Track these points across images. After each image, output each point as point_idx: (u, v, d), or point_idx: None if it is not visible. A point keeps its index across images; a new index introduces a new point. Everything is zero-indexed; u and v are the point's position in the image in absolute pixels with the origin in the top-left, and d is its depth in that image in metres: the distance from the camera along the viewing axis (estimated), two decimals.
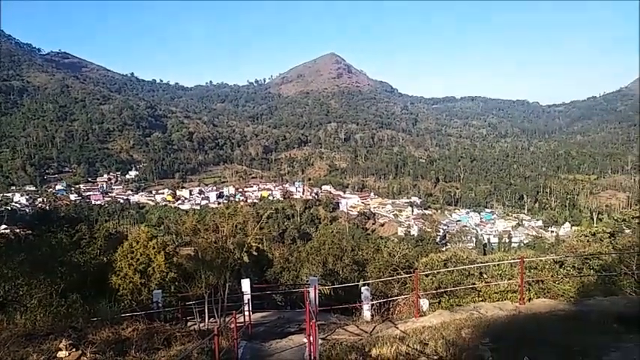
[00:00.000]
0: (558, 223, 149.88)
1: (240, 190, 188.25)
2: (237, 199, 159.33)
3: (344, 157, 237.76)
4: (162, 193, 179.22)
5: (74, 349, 8.28)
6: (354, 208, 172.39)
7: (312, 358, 9.21)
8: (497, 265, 14.92)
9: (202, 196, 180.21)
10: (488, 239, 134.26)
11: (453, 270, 14.68)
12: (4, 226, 78.04)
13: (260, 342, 12.16)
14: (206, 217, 18.47)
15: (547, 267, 14.56)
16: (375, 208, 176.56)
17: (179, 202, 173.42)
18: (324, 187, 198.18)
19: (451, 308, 12.51)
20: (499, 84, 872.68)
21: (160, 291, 15.73)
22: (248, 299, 14.69)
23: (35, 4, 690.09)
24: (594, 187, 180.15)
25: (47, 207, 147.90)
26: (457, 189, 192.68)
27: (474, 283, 14.25)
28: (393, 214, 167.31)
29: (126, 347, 9.14)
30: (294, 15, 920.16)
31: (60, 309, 12.33)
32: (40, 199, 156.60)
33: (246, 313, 14.14)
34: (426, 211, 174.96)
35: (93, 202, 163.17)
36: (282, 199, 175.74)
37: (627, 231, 20.17)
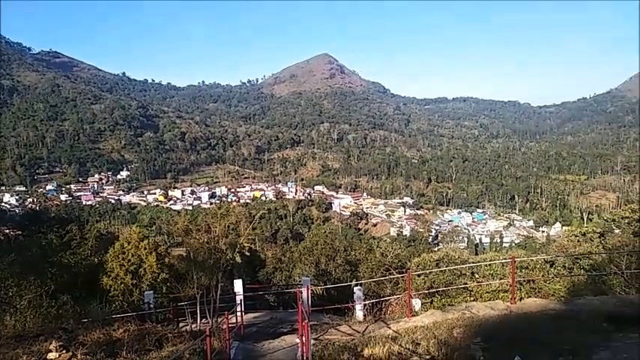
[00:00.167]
0: (549, 223, 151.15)
1: (233, 190, 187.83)
2: (229, 200, 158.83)
3: (337, 157, 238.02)
4: (154, 194, 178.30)
5: (64, 351, 8.22)
6: (346, 208, 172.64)
7: (305, 358, 9.21)
8: (489, 264, 15.01)
9: (194, 196, 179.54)
10: (480, 239, 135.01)
11: (445, 270, 14.74)
12: None
13: (252, 342, 12.14)
14: (198, 218, 18.39)
15: (538, 267, 14.67)
16: (367, 208, 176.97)
17: (171, 202, 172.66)
18: (316, 188, 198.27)
19: (443, 308, 12.56)
20: (491, 85, 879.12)
21: (151, 292, 15.65)
22: (240, 300, 14.66)
23: (25, 3, 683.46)
24: (584, 187, 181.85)
25: (37, 207, 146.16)
26: (449, 189, 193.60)
27: (465, 283, 14.32)
28: (386, 215, 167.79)
29: (117, 348, 9.10)
30: (287, 15, 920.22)
31: (50, 310, 12.21)
32: (30, 200, 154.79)
33: (239, 313, 14.11)
34: (419, 212, 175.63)
35: (84, 203, 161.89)
36: (274, 199, 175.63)
37: (617, 231, 20.41)
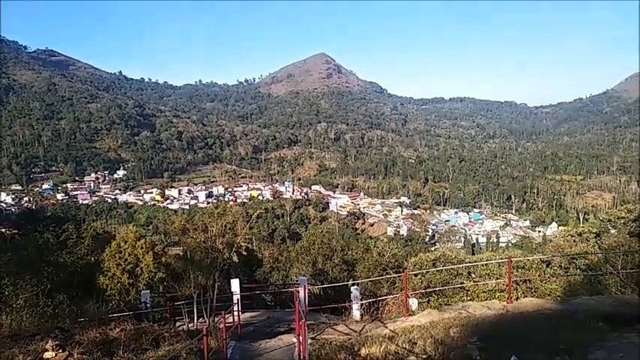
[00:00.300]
0: (545, 223, 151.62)
1: (230, 189, 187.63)
2: (226, 199, 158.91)
3: (334, 157, 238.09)
4: (151, 193, 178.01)
5: (61, 350, 8.21)
6: (343, 208, 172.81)
7: (302, 357, 9.22)
8: (486, 264, 15.05)
9: (191, 195, 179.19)
10: (477, 239, 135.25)
11: (441, 269, 14.77)
12: None
13: (249, 342, 12.14)
14: (195, 217, 18.39)
15: (534, 266, 14.71)
16: (364, 208, 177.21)
17: (168, 201, 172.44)
18: (313, 187, 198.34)
19: (440, 307, 12.59)
20: (487, 85, 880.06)
21: (148, 291, 15.63)
22: (237, 299, 14.64)
23: (21, 2, 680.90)
24: (580, 187, 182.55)
25: (33, 206, 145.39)
26: (446, 189, 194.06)
27: (462, 283, 14.36)
28: (383, 214, 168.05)
29: (113, 348, 9.09)
30: (284, 15, 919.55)
31: (46, 309, 12.18)
32: (26, 199, 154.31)
33: (236, 313, 14.09)
34: (415, 211, 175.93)
35: (80, 202, 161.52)
36: (271, 198, 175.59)
37: (613, 231, 20.49)
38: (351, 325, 12.36)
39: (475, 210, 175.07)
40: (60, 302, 12.66)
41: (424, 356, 8.33)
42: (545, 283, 13.82)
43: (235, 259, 15.28)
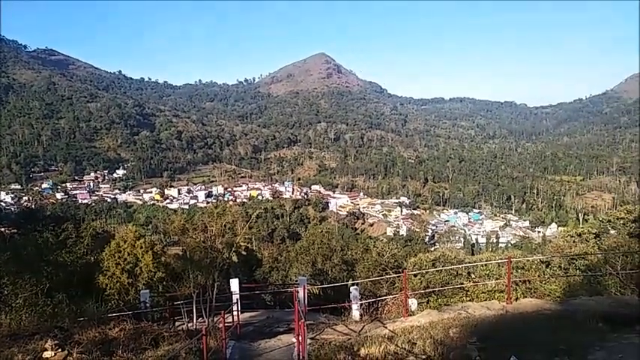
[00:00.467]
0: (545, 223, 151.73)
1: (230, 189, 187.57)
2: (226, 199, 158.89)
3: (333, 157, 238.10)
4: (151, 192, 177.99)
5: (60, 350, 8.21)
6: (343, 208, 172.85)
7: (301, 357, 9.21)
8: (485, 265, 15.05)
9: (191, 195, 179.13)
10: (476, 239, 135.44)
11: (441, 270, 14.77)
12: None
13: (249, 342, 12.14)
14: (195, 217, 18.41)
15: (534, 267, 14.72)
16: (364, 208, 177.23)
17: (167, 201, 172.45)
18: (313, 187, 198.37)
19: (439, 308, 12.60)
20: (487, 86, 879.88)
21: (147, 291, 15.62)
22: (237, 299, 14.63)
23: (20, 1, 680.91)
24: (580, 188, 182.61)
25: (33, 206, 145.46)
26: (446, 189, 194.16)
27: (462, 283, 14.36)
28: (382, 214, 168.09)
29: (113, 347, 9.09)
30: (284, 15, 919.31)
31: (46, 309, 12.19)
32: (25, 198, 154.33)
33: (235, 312, 14.09)
34: (415, 211, 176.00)
35: (80, 201, 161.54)
36: (271, 198, 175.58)
37: (612, 232, 20.47)
38: (351, 325, 12.36)
39: (475, 210, 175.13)
40: (59, 301, 12.66)
41: (423, 357, 8.34)
42: (545, 283, 13.83)
43: (235, 258, 15.29)
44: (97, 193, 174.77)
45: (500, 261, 14.99)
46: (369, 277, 17.80)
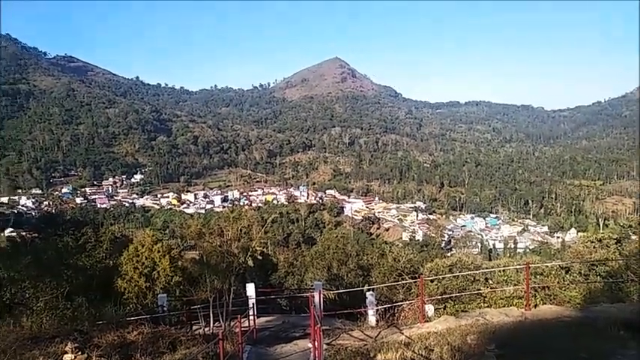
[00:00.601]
0: (564, 228, 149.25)
1: (245, 194, 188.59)
2: (241, 203, 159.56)
3: (348, 161, 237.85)
4: (168, 197, 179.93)
5: (80, 352, 8.30)
6: (358, 212, 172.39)
7: None
8: (503, 270, 14.88)
9: (207, 199, 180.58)
10: (494, 245, 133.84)
11: (458, 275, 14.64)
12: (10, 230, 78.65)
13: (265, 347, 12.17)
14: (211, 221, 18.53)
15: (553, 273, 14.50)
16: (379, 212, 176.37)
17: (184, 205, 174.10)
18: (328, 192, 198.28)
19: (456, 314, 12.48)
20: (503, 89, 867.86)
21: (165, 295, 15.77)
22: (253, 303, 14.69)
23: (40, 8, 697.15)
24: (600, 192, 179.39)
25: (53, 210, 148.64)
26: (462, 194, 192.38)
27: (479, 289, 14.21)
28: (398, 219, 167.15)
29: (131, 351, 9.19)
30: (298, 20, 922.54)
31: (66, 312, 12.39)
32: (46, 203, 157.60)
33: (251, 317, 14.14)
34: (431, 216, 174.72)
35: (98, 206, 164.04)
36: (286, 203, 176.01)
37: (634, 237, 20.04)
38: (367, 330, 12.31)
39: (492, 215, 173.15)
40: (79, 305, 12.87)
41: None
42: (565, 290, 13.61)
43: (250, 263, 15.37)
44: (116, 198, 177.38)
45: (518, 267, 14.81)
46: (385, 283, 17.72)
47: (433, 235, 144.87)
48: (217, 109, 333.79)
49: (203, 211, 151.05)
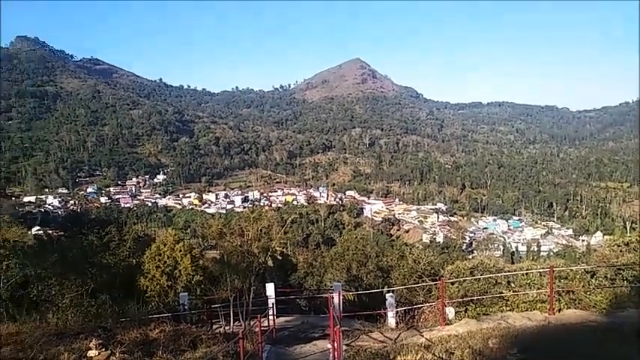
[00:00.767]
0: (589, 231, 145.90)
1: (265, 194, 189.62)
2: (261, 204, 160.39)
3: (368, 162, 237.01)
4: (189, 197, 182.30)
5: (104, 349, 8.46)
6: (378, 213, 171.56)
7: None
8: (526, 274, 14.60)
9: (228, 200, 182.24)
10: (516, 247, 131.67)
11: (479, 278, 14.42)
12: (37, 228, 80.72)
13: (284, 346, 12.21)
14: (231, 221, 18.68)
15: (578, 277, 14.15)
16: (399, 214, 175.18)
17: (205, 205, 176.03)
18: (348, 193, 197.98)
19: (478, 317, 12.32)
20: (527, 89, 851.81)
21: (186, 293, 15.96)
22: (272, 303, 14.77)
23: (67, 10, 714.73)
24: (627, 195, 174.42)
25: (79, 209, 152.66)
26: (484, 196, 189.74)
27: (501, 292, 13.97)
28: (418, 221, 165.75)
29: (153, 348, 9.31)
30: (319, 21, 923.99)
31: (90, 309, 12.62)
32: (72, 202, 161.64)
33: (271, 317, 14.21)
34: (452, 218, 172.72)
35: (122, 205, 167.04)
36: (306, 204, 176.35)
37: None
38: (386, 332, 12.24)
39: (515, 217, 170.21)
40: (103, 302, 13.10)
41: None
42: (590, 294, 13.28)
43: (270, 263, 15.48)
44: (139, 198, 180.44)
45: (541, 270, 14.50)
46: (405, 285, 17.59)
47: (454, 237, 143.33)
48: (238, 111, 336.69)
49: (224, 211, 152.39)
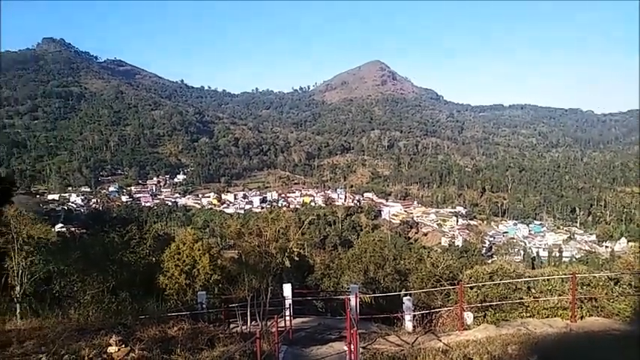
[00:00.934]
0: (613, 238, 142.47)
1: (283, 195, 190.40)
2: (279, 205, 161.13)
3: (387, 164, 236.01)
4: (208, 197, 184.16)
5: (123, 345, 8.57)
6: (396, 216, 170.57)
7: None
8: (547, 280, 14.32)
9: (246, 200, 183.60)
10: (537, 252, 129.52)
11: (499, 283, 14.21)
12: (60, 225, 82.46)
13: (300, 347, 12.21)
14: (250, 222, 18.82)
15: (601, 284, 13.82)
16: (418, 217, 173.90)
17: (224, 205, 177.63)
18: (366, 195, 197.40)
19: (497, 323, 12.13)
20: (550, 92, 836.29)
21: (204, 292, 16.09)
22: (289, 304, 14.78)
23: (93, 14, 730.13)
24: None
25: (101, 207, 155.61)
26: (504, 199, 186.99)
27: (521, 298, 13.73)
28: (437, 224, 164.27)
29: (171, 346, 9.39)
30: (338, 22, 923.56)
31: (111, 306, 12.82)
32: (94, 200, 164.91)
33: (287, 317, 14.23)
34: (472, 222, 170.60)
35: (143, 204, 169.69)
36: (323, 205, 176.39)
37: None
38: (403, 336, 12.14)
39: (536, 222, 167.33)
40: (123, 299, 13.30)
41: None
42: (613, 302, 12.96)
43: (287, 264, 15.52)
44: (159, 197, 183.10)
45: (563, 276, 14.21)
46: (423, 288, 17.45)
47: (473, 241, 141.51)
48: (258, 112, 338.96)
49: (242, 212, 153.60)
